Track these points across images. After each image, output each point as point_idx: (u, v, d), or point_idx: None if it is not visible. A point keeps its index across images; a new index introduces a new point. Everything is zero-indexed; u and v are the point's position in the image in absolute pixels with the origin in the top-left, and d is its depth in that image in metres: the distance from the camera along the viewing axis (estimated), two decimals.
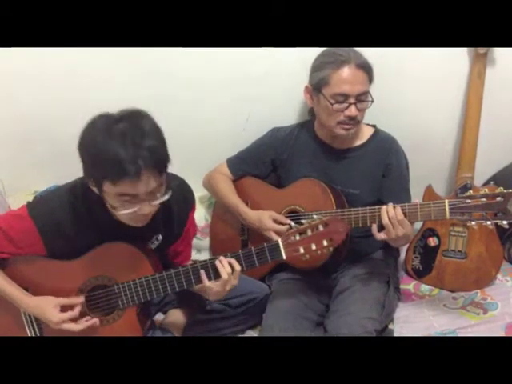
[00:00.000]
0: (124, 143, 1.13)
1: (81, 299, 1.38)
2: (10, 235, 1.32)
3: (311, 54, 1.57)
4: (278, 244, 1.32)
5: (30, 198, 1.87)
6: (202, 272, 1.33)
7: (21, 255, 1.37)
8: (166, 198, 1.23)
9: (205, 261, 1.34)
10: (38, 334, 1.43)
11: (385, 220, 1.42)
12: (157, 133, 1.20)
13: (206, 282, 1.32)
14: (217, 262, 1.32)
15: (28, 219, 1.31)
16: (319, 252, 1.31)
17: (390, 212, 1.42)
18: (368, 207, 1.48)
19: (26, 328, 1.43)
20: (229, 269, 1.31)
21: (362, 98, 1.52)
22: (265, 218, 1.57)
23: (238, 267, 1.31)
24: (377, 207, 1.47)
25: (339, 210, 1.53)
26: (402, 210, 1.42)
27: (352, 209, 1.51)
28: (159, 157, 1.18)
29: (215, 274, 1.32)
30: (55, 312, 1.34)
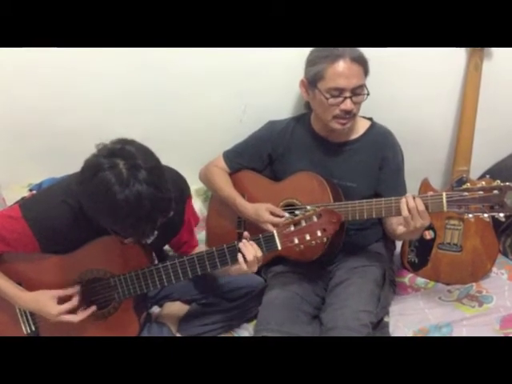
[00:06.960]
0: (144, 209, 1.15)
1: (77, 289, 1.37)
2: (2, 234, 1.32)
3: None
4: (273, 235, 1.33)
5: (25, 191, 1.88)
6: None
7: (13, 252, 1.36)
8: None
9: (201, 252, 1.35)
10: (34, 329, 1.43)
11: (405, 212, 1.39)
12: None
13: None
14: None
15: (22, 221, 1.30)
16: (313, 242, 1.32)
17: (410, 203, 1.38)
18: (365, 200, 1.48)
19: (21, 323, 1.43)
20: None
21: (358, 91, 1.52)
22: (262, 211, 1.56)
23: None
24: (374, 200, 1.47)
25: (336, 203, 1.53)
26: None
27: (349, 202, 1.51)
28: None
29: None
30: (53, 304, 1.34)
